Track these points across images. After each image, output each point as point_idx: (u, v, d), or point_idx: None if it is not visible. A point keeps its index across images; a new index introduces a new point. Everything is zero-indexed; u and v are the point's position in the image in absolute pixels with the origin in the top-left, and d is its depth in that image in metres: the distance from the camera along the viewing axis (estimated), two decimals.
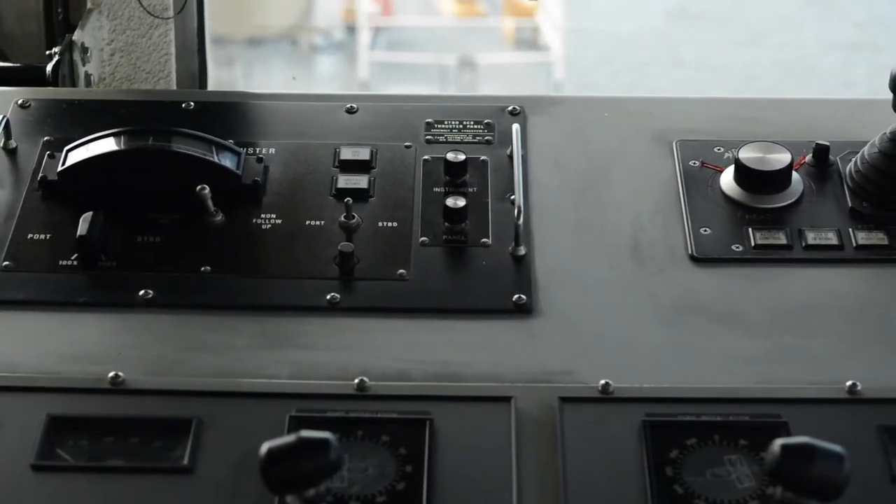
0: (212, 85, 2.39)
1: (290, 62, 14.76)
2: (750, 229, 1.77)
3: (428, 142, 1.92)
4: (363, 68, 14.73)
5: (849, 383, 1.55)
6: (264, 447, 1.31)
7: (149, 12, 2.17)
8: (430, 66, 14.56)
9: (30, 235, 1.75)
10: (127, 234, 1.75)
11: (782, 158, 1.81)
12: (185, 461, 1.46)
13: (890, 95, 1.77)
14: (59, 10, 2.26)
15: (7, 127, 1.88)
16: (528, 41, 14.86)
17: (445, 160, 1.85)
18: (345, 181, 1.84)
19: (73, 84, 2.14)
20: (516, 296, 1.68)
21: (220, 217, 1.78)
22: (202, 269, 1.72)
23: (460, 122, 1.95)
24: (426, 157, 1.89)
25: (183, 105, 1.98)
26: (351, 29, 15.07)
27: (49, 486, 1.44)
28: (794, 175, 1.81)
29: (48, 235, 1.75)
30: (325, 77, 14.74)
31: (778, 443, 1.30)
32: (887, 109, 1.78)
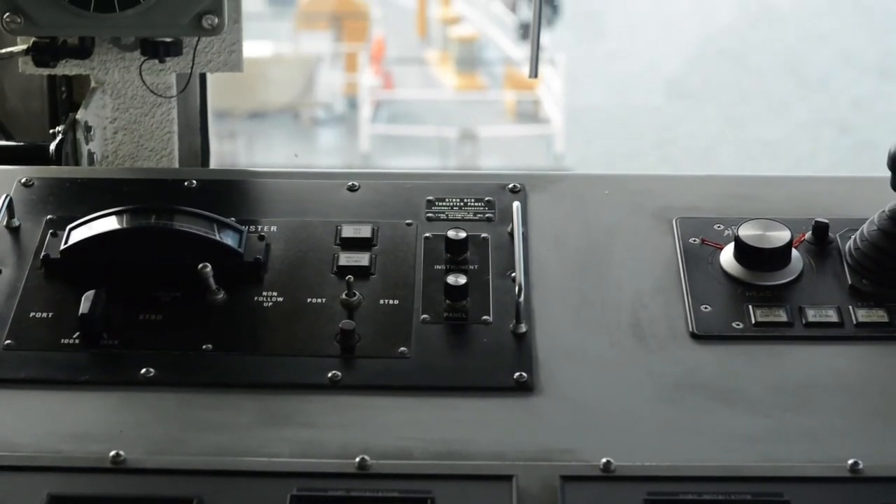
0: (214, 158, 2.41)
1: (291, 135, 14.86)
2: (750, 306, 1.77)
3: (429, 219, 1.93)
4: (364, 141, 14.83)
5: (851, 461, 1.55)
6: None
7: (152, 91, 2.18)
8: (431, 139, 14.65)
9: (32, 314, 1.76)
10: (129, 312, 1.76)
11: (782, 236, 1.81)
12: None
13: (888, 173, 1.78)
14: (63, 88, 2.28)
15: (10, 205, 1.89)
16: (529, 114, 14.96)
17: (446, 238, 1.86)
18: (346, 259, 1.85)
19: (77, 162, 2.15)
20: (517, 373, 1.69)
21: (221, 295, 1.78)
22: (204, 347, 1.72)
23: (461, 200, 1.96)
24: (427, 234, 1.90)
25: (185, 183, 1.99)
26: (352, 102, 15.17)
27: None
28: (794, 252, 1.82)
29: (50, 314, 1.76)
30: (326, 150, 14.83)
31: None
32: (885, 187, 1.79)
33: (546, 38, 13.58)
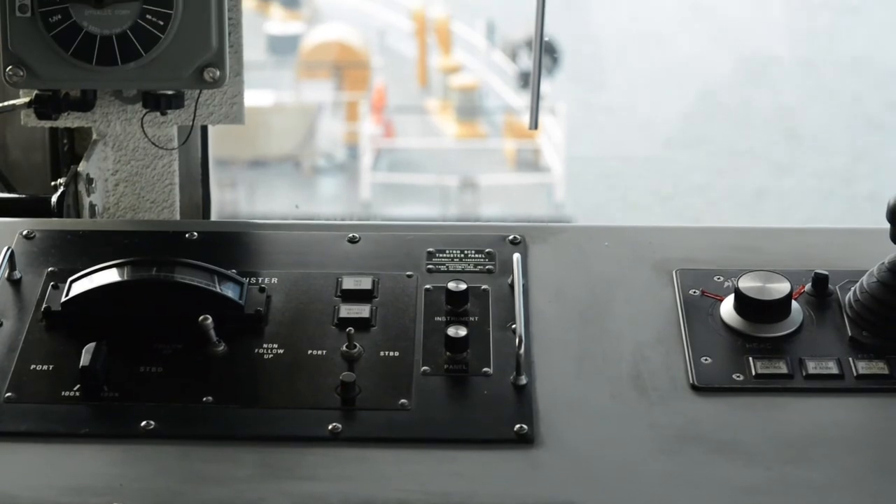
0: (215, 207, 2.42)
1: (292, 183, 14.90)
2: (751, 358, 1.77)
3: (429, 271, 1.93)
4: (365, 189, 14.86)
5: None
6: None
7: (154, 143, 2.19)
8: (431, 187, 14.68)
9: (32, 366, 1.76)
10: (129, 365, 1.76)
11: (782, 288, 1.82)
12: None
13: (887, 225, 1.79)
14: (65, 141, 2.29)
15: (12, 258, 1.89)
16: (529, 162, 15.00)
17: (447, 290, 1.86)
18: (346, 311, 1.85)
19: (78, 214, 2.16)
20: (518, 426, 1.69)
21: (222, 347, 1.79)
22: (204, 399, 1.72)
23: (461, 252, 1.97)
24: (428, 286, 1.90)
25: (186, 235, 1.99)
26: (353, 150, 15.22)
27: None
28: (794, 304, 1.82)
29: (51, 366, 1.76)
30: (327, 198, 14.86)
31: None
32: (885, 239, 1.79)
33: (546, 87, 13.64)
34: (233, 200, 13.99)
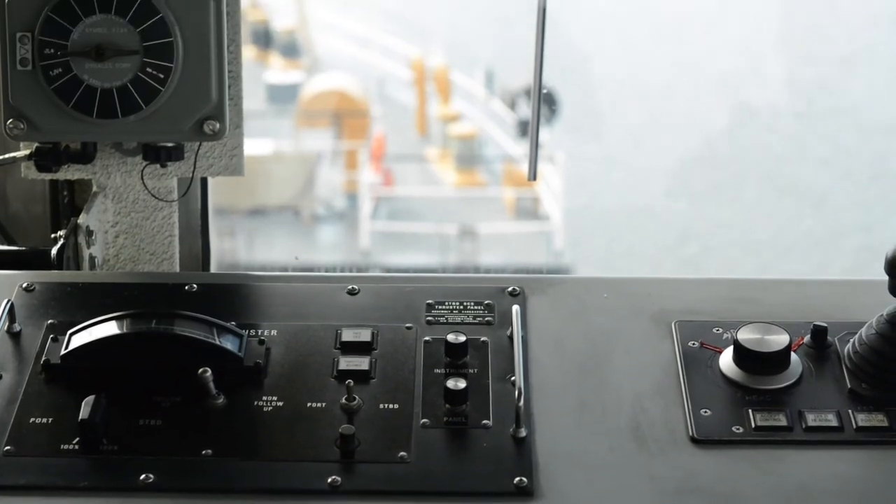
0: (214, 255, 2.42)
1: (291, 232, 14.91)
2: (750, 410, 1.77)
3: (429, 323, 1.93)
4: (365, 238, 14.88)
5: None
6: None
7: (154, 195, 2.20)
8: (431, 236, 14.70)
9: (32, 419, 1.76)
10: (129, 418, 1.76)
11: (780, 340, 1.82)
12: None
13: (886, 277, 1.79)
14: (65, 193, 2.30)
15: (12, 310, 1.89)
16: (529, 210, 15.02)
17: (446, 342, 1.86)
18: (346, 363, 1.85)
19: (78, 266, 2.16)
20: (517, 478, 1.68)
21: (221, 400, 1.78)
22: (203, 452, 1.72)
23: (461, 303, 1.97)
24: (427, 338, 1.90)
25: (186, 287, 2.00)
26: (352, 198, 15.23)
27: None
28: (793, 356, 1.83)
29: (50, 419, 1.76)
30: (326, 247, 14.87)
31: None
32: (883, 291, 1.79)
33: (545, 135, 13.69)
34: (232, 249, 14.00)
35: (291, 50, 17.67)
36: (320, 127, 15.51)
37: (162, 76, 2.02)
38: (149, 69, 2.02)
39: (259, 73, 16.58)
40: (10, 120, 2.03)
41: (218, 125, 2.06)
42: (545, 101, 2.24)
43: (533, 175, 2.29)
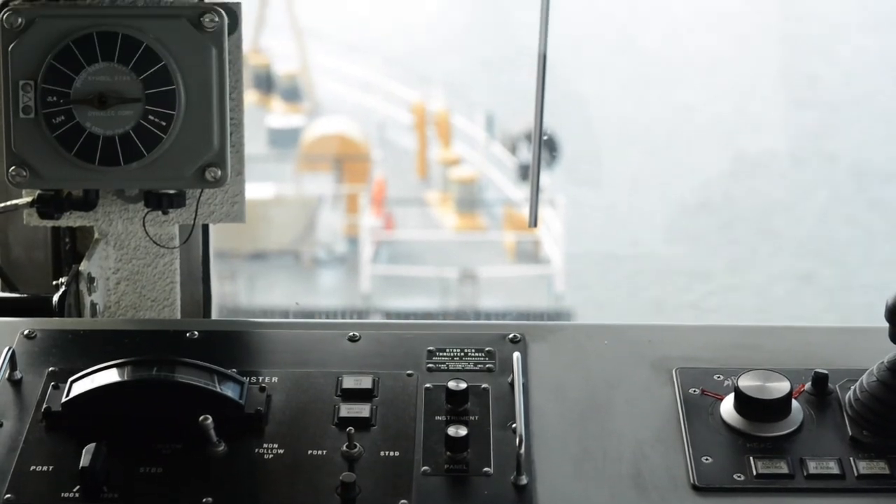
0: (214, 300, 2.42)
1: (292, 276, 14.93)
2: (751, 458, 1.77)
3: (430, 370, 1.93)
4: (365, 282, 14.88)
5: None
6: None
7: (155, 242, 2.20)
8: (431, 279, 14.71)
9: (32, 467, 1.75)
10: (129, 465, 1.76)
11: (781, 387, 1.82)
12: None
13: (886, 324, 1.79)
14: (67, 239, 2.30)
15: (13, 358, 1.89)
16: (529, 254, 15.03)
17: (447, 389, 1.86)
18: (347, 410, 1.85)
19: (79, 313, 2.16)
20: None
21: (222, 447, 1.78)
22: (204, 500, 1.72)
23: (462, 350, 1.97)
24: (428, 385, 1.90)
25: (187, 334, 2.00)
26: (353, 242, 15.25)
27: None
28: (794, 403, 1.82)
29: (51, 467, 1.75)
30: (327, 290, 14.88)
31: None
32: (884, 338, 1.79)
33: (545, 179, 13.71)
34: (233, 293, 14.00)
35: (293, 94, 17.72)
36: (321, 171, 15.54)
37: (164, 124, 2.03)
38: (151, 117, 2.03)
39: (260, 117, 16.63)
40: (13, 167, 2.04)
41: (219, 172, 2.07)
42: (545, 146, 2.25)
43: (534, 222, 2.29)
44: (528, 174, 2.22)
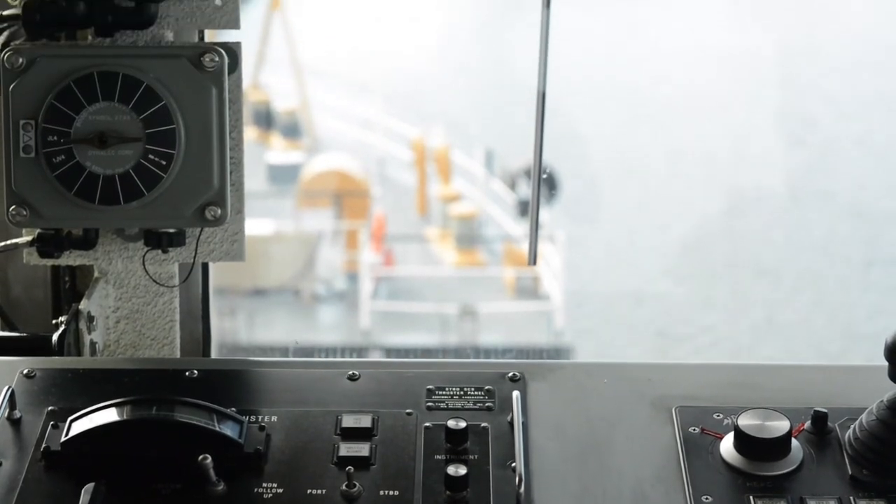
0: (214, 336, 2.42)
1: (292, 312, 14.93)
2: (751, 497, 1.76)
3: (429, 408, 1.93)
4: (365, 318, 14.88)
5: None
6: None
7: (155, 281, 2.21)
8: (431, 315, 14.71)
9: None
10: None
11: (781, 426, 1.82)
12: None
13: (885, 363, 1.79)
14: (67, 278, 2.30)
15: (12, 397, 1.89)
16: (529, 290, 15.04)
17: (446, 428, 1.86)
18: (346, 449, 1.85)
19: (79, 352, 2.16)
20: None
21: (221, 486, 1.78)
22: None
23: (461, 389, 1.97)
24: (427, 424, 1.90)
25: (186, 373, 2.00)
26: (353, 278, 15.26)
27: None
28: (794, 442, 1.82)
29: None
30: (327, 327, 14.89)
31: None
32: (883, 377, 1.79)
33: (545, 215, 13.73)
34: (232, 329, 14.00)
35: (292, 130, 17.77)
36: (321, 207, 15.56)
37: (164, 163, 2.04)
38: (151, 156, 2.03)
39: (260, 154, 16.67)
40: (13, 207, 2.04)
41: (219, 211, 2.07)
42: (545, 183, 2.25)
43: (533, 260, 2.30)
44: (528, 210, 2.22)
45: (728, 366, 2.02)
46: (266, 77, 18.49)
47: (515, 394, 1.89)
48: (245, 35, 2.15)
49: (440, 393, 1.96)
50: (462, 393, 1.96)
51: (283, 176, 16.38)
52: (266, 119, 17.82)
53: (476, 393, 1.96)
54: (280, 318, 14.38)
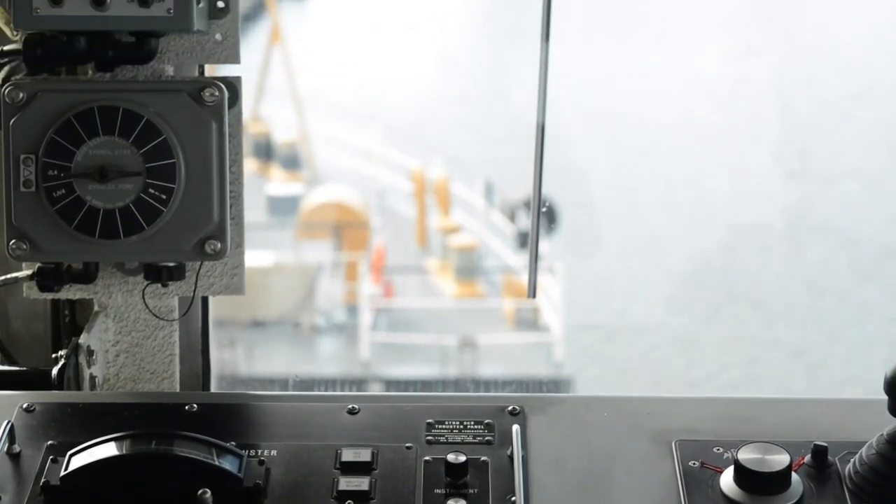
0: (214, 369, 2.42)
1: (292, 343, 14.92)
2: None
3: (429, 442, 1.93)
4: (365, 349, 14.87)
5: None
6: None
7: (154, 315, 2.21)
8: (431, 347, 14.71)
9: None
10: None
11: (781, 460, 1.81)
12: None
13: (885, 397, 1.79)
14: (66, 312, 2.31)
15: (11, 431, 1.89)
16: (529, 321, 15.04)
17: (446, 462, 1.86)
18: (346, 483, 1.85)
19: (79, 386, 2.16)
20: None
21: None
22: None
23: (461, 423, 1.97)
24: (427, 457, 1.90)
25: (186, 407, 2.00)
26: (352, 310, 15.26)
27: None
28: (794, 476, 1.82)
29: None
30: (326, 358, 14.88)
31: None
32: (883, 411, 1.79)
33: (544, 246, 13.75)
34: (232, 360, 13.99)
35: (292, 162, 17.80)
36: (320, 238, 15.57)
37: (164, 197, 2.04)
38: (151, 190, 2.04)
39: (260, 186, 16.70)
40: (13, 241, 2.05)
41: (219, 245, 2.08)
42: (544, 216, 2.26)
43: (533, 293, 2.30)
44: (527, 242, 2.22)
45: (728, 399, 2.02)
46: (266, 108, 18.53)
47: (515, 427, 1.89)
48: (245, 65, 2.16)
49: (440, 427, 1.96)
50: (462, 427, 1.96)
51: (282, 207, 16.40)
52: (266, 151, 17.85)
53: (476, 427, 1.96)
54: (280, 349, 14.38)
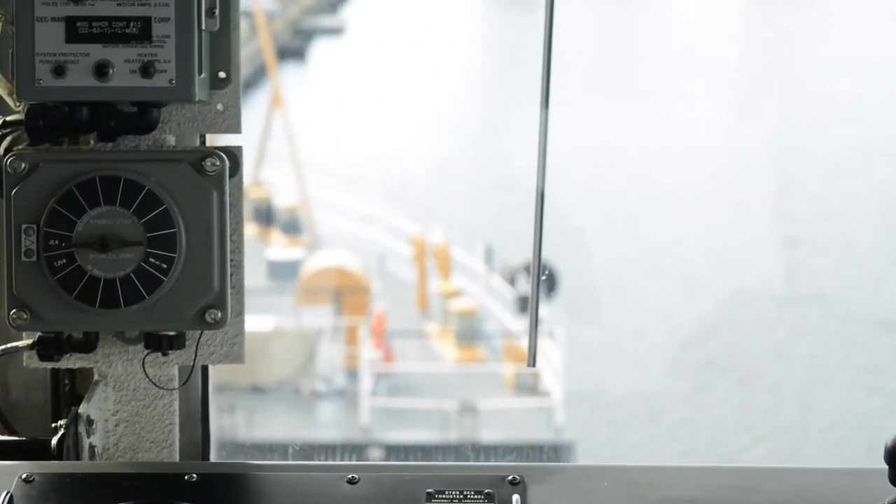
0: (214, 436, 2.41)
1: (291, 408, 14.91)
2: None
3: None
4: (365, 414, 14.85)
5: None
6: None
7: (154, 384, 2.21)
8: (431, 412, 14.69)
9: None
10: None
11: None
12: None
13: (885, 467, 1.79)
14: (66, 381, 2.30)
15: (11, 502, 1.88)
16: (529, 386, 15.03)
17: None
18: None
19: (78, 456, 2.15)
20: None
21: None
22: None
23: (461, 492, 1.96)
24: None
25: (185, 477, 1.99)
26: (352, 374, 15.25)
27: None
28: None
29: None
30: (326, 423, 14.85)
31: None
32: (883, 480, 1.79)
33: (545, 311, 13.74)
34: (231, 426, 13.96)
35: (292, 227, 17.83)
36: (321, 303, 15.57)
37: (165, 266, 2.04)
38: (152, 259, 2.04)
39: (260, 250, 16.72)
40: (14, 310, 2.05)
41: (220, 314, 2.08)
42: (544, 282, 2.26)
43: (532, 361, 2.30)
44: (528, 306, 2.23)
45: (729, 468, 2.01)
46: (267, 174, 18.60)
47: (515, 497, 1.88)
48: (246, 128, 2.17)
49: (440, 496, 1.95)
50: (462, 497, 1.95)
51: (283, 272, 16.41)
52: (266, 215, 17.89)
53: (476, 497, 1.95)
54: (279, 415, 14.35)
